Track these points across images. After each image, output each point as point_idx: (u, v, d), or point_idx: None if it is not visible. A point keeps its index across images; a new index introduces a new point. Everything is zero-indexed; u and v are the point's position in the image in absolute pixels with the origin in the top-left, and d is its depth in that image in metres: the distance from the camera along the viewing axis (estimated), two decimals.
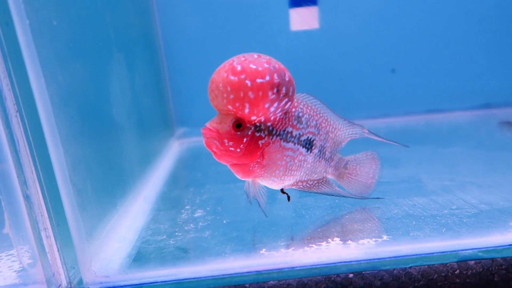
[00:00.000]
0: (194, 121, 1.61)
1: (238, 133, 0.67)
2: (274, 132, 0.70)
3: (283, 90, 0.65)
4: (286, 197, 0.82)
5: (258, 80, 0.62)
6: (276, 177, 0.74)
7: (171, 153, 1.43)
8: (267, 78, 0.63)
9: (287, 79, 0.66)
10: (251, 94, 0.63)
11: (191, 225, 0.83)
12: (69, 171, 0.64)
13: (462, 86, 1.57)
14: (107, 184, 0.83)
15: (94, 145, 0.79)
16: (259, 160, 0.70)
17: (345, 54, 1.54)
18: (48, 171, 0.61)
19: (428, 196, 0.87)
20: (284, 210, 0.86)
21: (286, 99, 0.66)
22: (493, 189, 0.89)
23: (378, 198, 0.86)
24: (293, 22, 1.48)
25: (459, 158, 1.13)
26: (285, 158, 0.72)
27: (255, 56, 0.65)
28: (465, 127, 1.50)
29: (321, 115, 0.76)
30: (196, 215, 0.88)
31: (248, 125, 0.67)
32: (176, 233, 0.80)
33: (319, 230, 0.77)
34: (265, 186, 0.77)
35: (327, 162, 0.80)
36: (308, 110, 0.74)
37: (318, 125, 0.75)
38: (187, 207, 0.93)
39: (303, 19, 1.48)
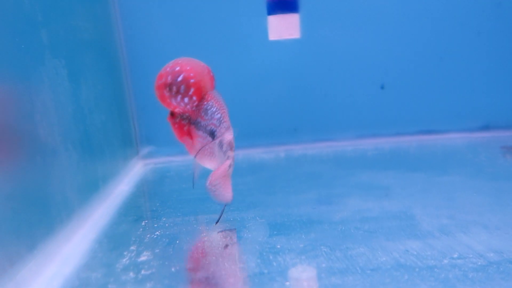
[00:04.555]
0: (162, 139, 1.48)
1: (172, 119, 0.88)
2: (191, 121, 0.86)
3: (174, 89, 0.81)
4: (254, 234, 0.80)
5: (159, 82, 0.82)
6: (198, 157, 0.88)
7: (131, 177, 1.29)
8: (162, 80, 0.82)
9: (179, 79, 0.81)
10: (156, 93, 0.83)
11: (131, 273, 0.70)
12: None
13: (458, 105, 1.52)
14: (22, 222, 0.68)
15: (7, 173, 0.65)
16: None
17: (329, 67, 1.49)
18: None
19: (423, 240, 0.75)
20: (248, 254, 0.75)
21: (180, 96, 0.82)
22: (502, 231, 0.77)
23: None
24: (272, 30, 1.41)
25: (458, 189, 1.02)
26: (198, 143, 0.87)
27: (179, 60, 0.83)
28: (462, 151, 1.41)
29: (224, 111, 0.86)
30: (140, 259, 0.75)
31: (177, 115, 0.87)
32: (109, 286, 0.67)
33: (287, 283, 0.65)
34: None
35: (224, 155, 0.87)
36: (216, 104, 0.85)
37: (221, 119, 0.85)
38: (132, 247, 0.80)
39: (282, 28, 1.41)
